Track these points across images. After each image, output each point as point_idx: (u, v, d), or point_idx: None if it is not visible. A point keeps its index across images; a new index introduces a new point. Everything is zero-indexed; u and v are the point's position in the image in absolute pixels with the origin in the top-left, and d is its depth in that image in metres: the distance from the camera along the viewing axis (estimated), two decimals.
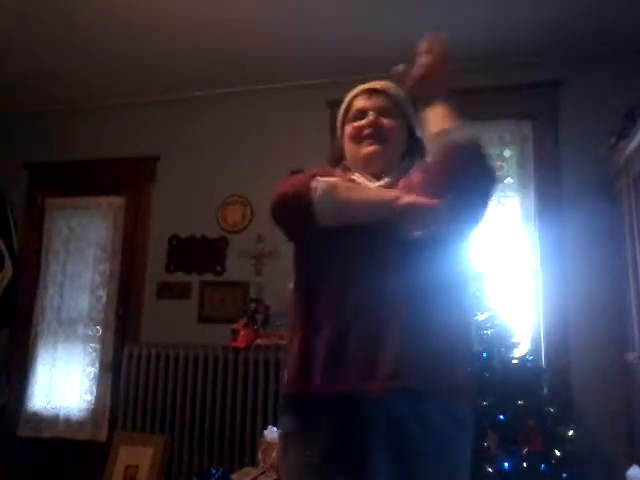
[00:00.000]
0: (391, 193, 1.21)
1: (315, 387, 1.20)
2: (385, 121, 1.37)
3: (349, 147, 1.42)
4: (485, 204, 1.22)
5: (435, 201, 1.12)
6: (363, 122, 1.38)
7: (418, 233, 1.14)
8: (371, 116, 1.37)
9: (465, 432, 1.23)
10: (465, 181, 1.17)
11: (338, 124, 1.49)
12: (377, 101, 1.40)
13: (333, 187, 1.22)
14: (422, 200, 1.13)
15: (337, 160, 1.48)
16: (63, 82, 3.66)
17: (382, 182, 1.35)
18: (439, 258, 1.22)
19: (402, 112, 1.41)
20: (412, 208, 1.13)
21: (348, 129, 1.42)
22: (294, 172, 1.34)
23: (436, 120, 1.25)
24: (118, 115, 3.87)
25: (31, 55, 3.31)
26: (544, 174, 3.12)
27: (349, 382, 1.16)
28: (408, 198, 1.15)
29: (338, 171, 1.42)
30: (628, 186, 2.59)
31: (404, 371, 1.14)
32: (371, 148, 1.36)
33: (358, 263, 1.22)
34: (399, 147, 1.40)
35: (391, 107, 1.39)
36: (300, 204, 1.22)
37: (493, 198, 1.23)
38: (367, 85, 1.43)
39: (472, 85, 3.17)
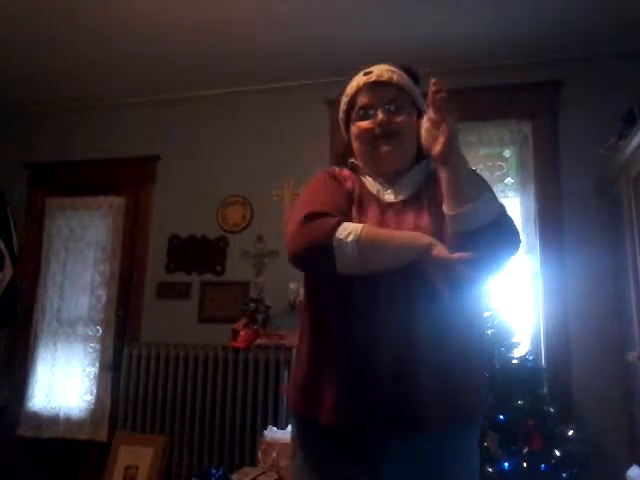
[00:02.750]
0: (423, 239, 1.13)
1: (329, 418, 1.17)
2: (395, 117, 1.29)
3: (359, 147, 1.34)
4: (506, 262, 1.19)
5: (468, 257, 1.08)
6: (372, 122, 1.29)
7: (443, 285, 1.10)
8: (380, 115, 1.28)
9: (475, 442, 1.24)
10: (489, 252, 1.14)
11: (341, 120, 1.41)
12: (383, 95, 1.30)
13: (356, 242, 1.10)
14: (456, 257, 1.08)
15: (343, 157, 1.41)
16: (63, 82, 3.66)
17: (402, 197, 1.28)
18: (460, 296, 1.18)
19: (409, 99, 1.33)
20: (446, 262, 1.09)
21: (356, 129, 1.33)
22: (310, 215, 1.16)
23: (451, 192, 1.16)
24: (118, 115, 3.87)
25: (31, 55, 3.31)
26: (544, 174, 3.12)
27: (367, 417, 1.14)
28: (443, 251, 1.10)
29: (348, 174, 1.34)
30: (628, 186, 2.59)
31: (429, 413, 1.13)
32: (386, 149, 1.28)
33: (376, 294, 1.18)
34: (413, 141, 1.31)
35: (398, 98, 1.31)
36: (323, 261, 1.12)
37: (515, 255, 1.21)
38: (370, 77, 1.33)
39: (472, 85, 3.17)
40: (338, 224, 1.13)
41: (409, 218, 1.23)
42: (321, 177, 1.33)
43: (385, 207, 1.27)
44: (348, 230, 1.12)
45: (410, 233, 1.17)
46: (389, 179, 1.32)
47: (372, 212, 1.25)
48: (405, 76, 1.35)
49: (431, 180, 1.29)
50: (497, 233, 1.14)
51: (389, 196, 1.29)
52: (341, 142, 1.45)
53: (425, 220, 1.22)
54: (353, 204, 1.26)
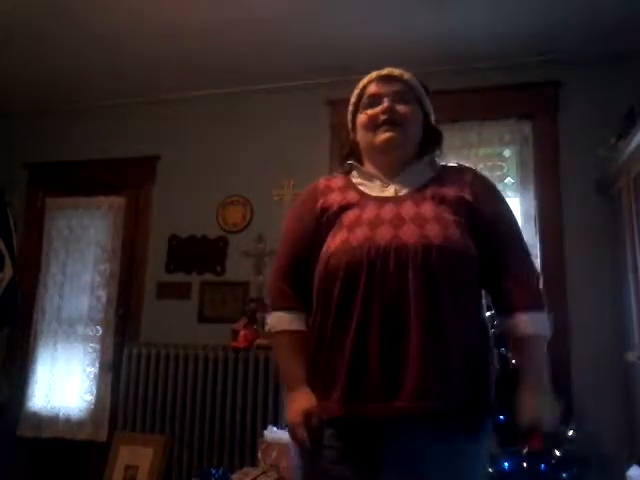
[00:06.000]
0: (291, 389, 1.30)
1: (335, 408, 1.17)
2: (401, 107, 1.34)
3: (363, 136, 1.38)
4: None
5: None
6: (378, 109, 1.34)
7: None
8: (386, 102, 1.34)
9: (482, 448, 1.24)
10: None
11: (349, 113, 1.45)
12: (391, 86, 1.37)
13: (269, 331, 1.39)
14: None
15: (349, 156, 1.45)
16: (63, 82, 3.66)
17: (402, 193, 1.31)
18: (461, 280, 1.22)
19: (417, 97, 1.39)
20: None
21: (362, 117, 1.38)
22: (273, 278, 1.42)
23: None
24: (118, 115, 3.87)
25: (31, 55, 3.31)
26: (544, 174, 3.11)
27: (370, 403, 1.14)
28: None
29: (339, 184, 1.38)
30: (628, 186, 2.59)
31: (429, 391, 1.12)
32: (387, 135, 1.33)
33: (376, 287, 1.19)
34: (415, 133, 1.37)
35: (406, 92, 1.37)
36: None
37: None
38: (381, 72, 1.40)
39: (472, 85, 3.18)
40: (274, 310, 1.38)
41: (408, 206, 1.26)
42: (296, 206, 1.43)
43: (384, 201, 1.30)
44: (272, 322, 1.38)
45: (293, 372, 1.30)
46: (389, 173, 1.35)
47: (370, 207, 1.28)
48: (415, 78, 1.41)
49: (437, 180, 1.32)
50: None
51: (389, 192, 1.32)
52: (346, 142, 1.49)
53: (425, 208, 1.25)
54: (339, 212, 1.31)
